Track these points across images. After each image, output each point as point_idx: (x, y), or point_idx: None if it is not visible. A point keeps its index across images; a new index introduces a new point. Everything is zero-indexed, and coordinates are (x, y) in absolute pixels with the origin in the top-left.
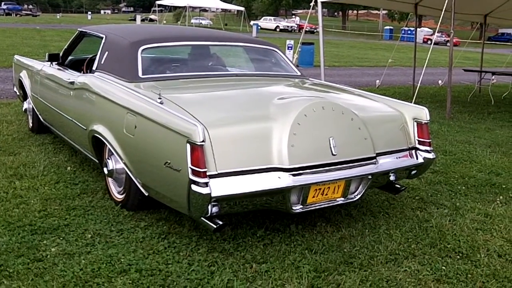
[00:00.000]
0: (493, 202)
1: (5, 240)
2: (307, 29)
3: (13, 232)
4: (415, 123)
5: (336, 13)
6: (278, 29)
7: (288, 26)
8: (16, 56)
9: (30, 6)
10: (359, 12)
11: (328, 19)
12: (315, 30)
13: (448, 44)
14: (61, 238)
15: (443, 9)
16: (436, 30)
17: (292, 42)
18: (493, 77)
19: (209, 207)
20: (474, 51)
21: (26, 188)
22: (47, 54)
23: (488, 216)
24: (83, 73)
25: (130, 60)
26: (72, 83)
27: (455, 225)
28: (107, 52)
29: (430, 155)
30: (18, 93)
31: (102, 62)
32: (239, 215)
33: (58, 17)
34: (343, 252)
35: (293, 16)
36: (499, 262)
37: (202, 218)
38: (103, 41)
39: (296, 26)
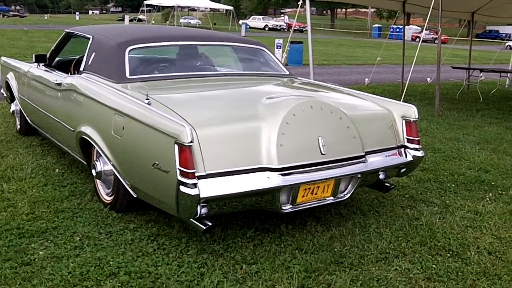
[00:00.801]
0: (482, 199)
1: None
2: (295, 28)
3: (1, 236)
4: (404, 121)
5: (324, 12)
6: (267, 28)
7: (277, 25)
8: (3, 58)
9: (18, 7)
10: (348, 10)
11: (317, 18)
12: (304, 29)
13: (436, 41)
14: (49, 241)
15: (431, 7)
16: (424, 28)
17: (281, 41)
18: (481, 74)
19: (198, 208)
20: (462, 48)
21: (14, 191)
22: (34, 55)
23: (477, 214)
24: (71, 74)
25: (118, 60)
26: (59, 84)
27: (445, 223)
28: (94, 53)
29: (419, 153)
30: (5, 95)
31: (89, 63)
32: (228, 215)
33: (45, 17)
34: (334, 252)
35: (282, 15)
36: (489, 259)
37: (191, 219)
38: (90, 42)
39: (285, 25)
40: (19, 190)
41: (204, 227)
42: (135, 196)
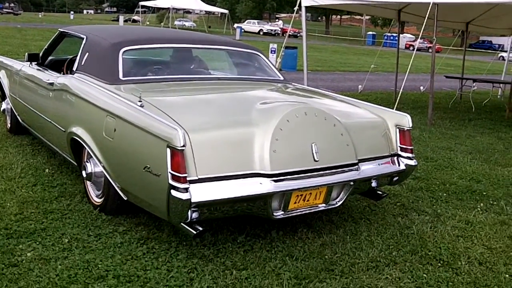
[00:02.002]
0: (473, 209)
1: None
2: (290, 33)
3: None
4: (398, 130)
5: (319, 18)
6: (261, 33)
7: (271, 30)
8: None
9: (12, 5)
10: (343, 17)
11: (312, 24)
12: (298, 34)
13: (430, 50)
14: (37, 243)
15: (426, 16)
16: (419, 37)
17: (275, 46)
18: (474, 84)
19: (189, 212)
20: (456, 58)
21: (3, 191)
22: (26, 54)
23: (468, 223)
24: (63, 74)
25: (111, 61)
26: (51, 84)
27: (436, 232)
28: (87, 53)
29: (412, 162)
30: None
31: (82, 63)
32: (219, 220)
33: (40, 16)
34: (324, 259)
35: (277, 20)
36: (480, 270)
37: (181, 223)
38: (83, 42)
39: (279, 30)
40: (8, 190)
41: (195, 232)
42: (125, 198)
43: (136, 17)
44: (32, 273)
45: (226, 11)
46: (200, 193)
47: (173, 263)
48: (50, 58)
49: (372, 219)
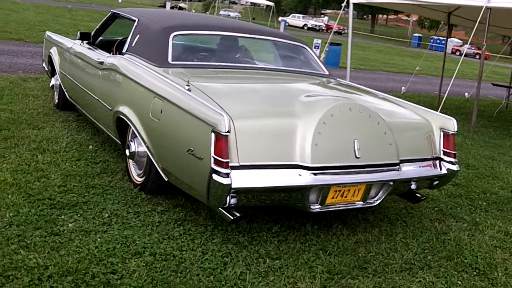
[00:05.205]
0: None
1: (25, 212)
2: (335, 30)
3: (33, 205)
4: (442, 133)
5: (365, 16)
6: (305, 27)
7: (316, 25)
8: (48, 32)
9: None
10: (389, 17)
11: (357, 22)
12: (343, 31)
13: (477, 56)
14: (78, 215)
15: (478, 21)
16: (468, 42)
17: (319, 41)
18: None
19: (228, 198)
20: (504, 66)
21: (48, 163)
22: (79, 32)
23: (508, 235)
24: (113, 54)
25: (161, 45)
26: (101, 63)
27: (473, 241)
28: (138, 35)
29: (454, 167)
30: (46, 69)
31: (132, 45)
32: (256, 208)
33: None
34: (358, 257)
35: (322, 16)
36: None
37: (219, 208)
38: (135, 24)
39: (324, 25)
40: (53, 163)
41: (232, 217)
42: (166, 179)
43: (182, 4)
44: (73, 243)
45: (272, 3)
46: (240, 179)
47: (208, 246)
48: (100, 38)
49: (408, 221)
